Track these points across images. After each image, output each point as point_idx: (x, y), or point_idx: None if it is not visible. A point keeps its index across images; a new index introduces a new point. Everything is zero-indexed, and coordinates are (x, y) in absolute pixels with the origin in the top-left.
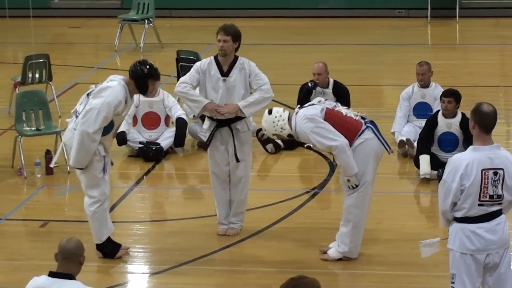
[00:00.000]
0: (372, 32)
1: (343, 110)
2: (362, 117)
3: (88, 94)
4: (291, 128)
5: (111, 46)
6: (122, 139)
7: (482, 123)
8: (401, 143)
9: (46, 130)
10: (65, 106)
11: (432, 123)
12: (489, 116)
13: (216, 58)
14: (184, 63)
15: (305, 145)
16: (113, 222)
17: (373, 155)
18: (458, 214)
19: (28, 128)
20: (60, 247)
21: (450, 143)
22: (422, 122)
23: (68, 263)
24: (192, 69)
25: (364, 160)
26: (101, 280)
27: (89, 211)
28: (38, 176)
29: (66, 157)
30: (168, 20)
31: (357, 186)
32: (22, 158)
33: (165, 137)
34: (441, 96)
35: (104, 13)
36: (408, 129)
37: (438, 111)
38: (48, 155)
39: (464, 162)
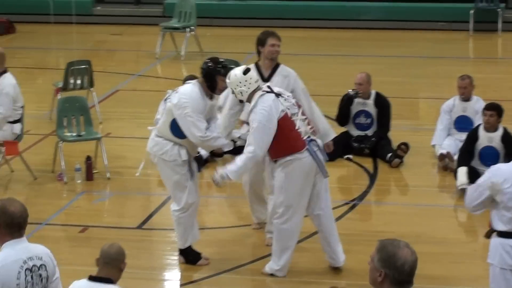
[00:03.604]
0: (414, 45)
1: (298, 121)
2: (312, 133)
3: (165, 100)
4: (249, 101)
5: (152, 53)
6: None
7: None
8: (442, 157)
9: (87, 136)
10: (106, 113)
11: (473, 137)
12: None
13: (256, 64)
14: None
15: (345, 156)
16: (151, 229)
17: (300, 176)
18: (500, 228)
19: (69, 134)
20: (102, 252)
21: (491, 157)
22: (463, 136)
23: (108, 268)
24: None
25: (288, 178)
26: (138, 287)
27: (174, 216)
28: (78, 181)
29: (143, 164)
30: (209, 29)
31: (217, 183)
32: (63, 163)
33: None
34: (483, 109)
35: (145, 20)
36: (448, 143)
37: (480, 125)
38: (89, 161)
39: (504, 174)
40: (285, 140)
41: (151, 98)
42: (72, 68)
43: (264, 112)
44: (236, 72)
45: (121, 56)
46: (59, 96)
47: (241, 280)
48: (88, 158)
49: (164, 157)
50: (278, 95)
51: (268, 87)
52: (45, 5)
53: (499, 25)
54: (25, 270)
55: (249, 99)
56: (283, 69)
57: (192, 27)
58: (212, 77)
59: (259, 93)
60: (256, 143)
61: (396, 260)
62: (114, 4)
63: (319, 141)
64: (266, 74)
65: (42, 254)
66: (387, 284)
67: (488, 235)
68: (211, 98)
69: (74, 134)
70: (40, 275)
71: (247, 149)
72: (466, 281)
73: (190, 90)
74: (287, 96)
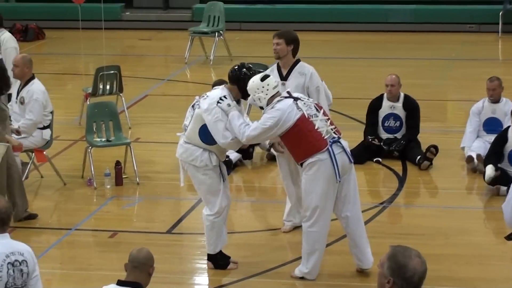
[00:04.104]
0: (443, 47)
1: (317, 122)
2: (335, 132)
3: (193, 106)
4: (267, 104)
5: (181, 58)
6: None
7: None
8: (469, 159)
9: (116, 141)
10: (135, 118)
11: (502, 138)
12: None
13: (278, 64)
14: None
15: (374, 159)
16: (181, 233)
17: (324, 178)
18: None
19: (98, 139)
20: (130, 256)
21: None
22: (492, 138)
23: (137, 272)
24: None
25: (312, 180)
26: None
27: (208, 221)
28: (108, 187)
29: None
30: (238, 33)
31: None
32: (92, 169)
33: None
34: (511, 111)
35: (174, 25)
36: (478, 145)
37: (509, 126)
38: (118, 166)
39: None
40: (305, 141)
41: (180, 103)
42: (101, 73)
43: (276, 115)
44: (254, 79)
45: (150, 61)
46: (88, 102)
47: (270, 283)
48: (118, 163)
49: (194, 163)
50: (296, 99)
51: (288, 92)
52: (74, 11)
53: None
54: (7, 263)
55: (268, 105)
56: (300, 66)
57: (220, 32)
58: (245, 83)
59: (277, 98)
60: (253, 132)
61: (406, 271)
62: (142, 9)
63: (344, 143)
64: (284, 72)
65: (23, 251)
66: None
67: (509, 238)
68: (238, 102)
69: (104, 139)
70: (21, 270)
71: (246, 128)
72: (496, 283)
73: (220, 95)
74: (307, 100)
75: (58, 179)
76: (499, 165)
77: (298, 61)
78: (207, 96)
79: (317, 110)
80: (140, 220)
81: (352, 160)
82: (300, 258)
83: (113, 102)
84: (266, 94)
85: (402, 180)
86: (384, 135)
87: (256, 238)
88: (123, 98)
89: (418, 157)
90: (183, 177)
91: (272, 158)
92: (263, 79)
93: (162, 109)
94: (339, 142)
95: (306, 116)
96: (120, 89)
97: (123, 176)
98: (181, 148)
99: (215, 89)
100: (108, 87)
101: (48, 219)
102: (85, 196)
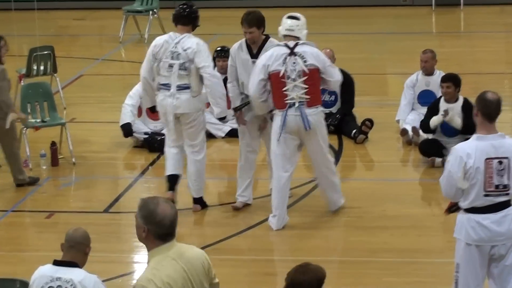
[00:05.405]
0: (377, 21)
1: (290, 85)
2: (302, 101)
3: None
4: None
5: (116, 37)
6: (128, 130)
7: (485, 111)
8: (404, 132)
9: (51, 122)
10: (70, 98)
11: (434, 108)
12: (492, 104)
13: (246, 41)
14: None
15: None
16: (118, 212)
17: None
18: (464, 205)
19: (33, 120)
20: (66, 236)
21: (453, 128)
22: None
23: (73, 252)
24: (229, 63)
25: (273, 129)
26: (107, 270)
27: (201, 164)
28: (44, 167)
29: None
30: (172, 11)
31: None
32: (28, 150)
33: None
34: (440, 81)
35: (108, 4)
36: (412, 117)
37: (440, 97)
38: (53, 147)
39: (467, 151)
40: (272, 94)
41: (116, 82)
42: (35, 54)
43: (263, 58)
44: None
45: (85, 41)
46: (22, 83)
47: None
48: (53, 144)
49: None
50: (294, 54)
51: (296, 44)
52: None
53: None
54: None
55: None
56: (270, 42)
57: (155, 10)
58: (198, 17)
59: (278, 43)
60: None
61: (155, 215)
62: None
63: (309, 110)
64: (255, 50)
65: None
66: (151, 238)
67: (449, 211)
68: None
69: (38, 120)
70: None
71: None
72: (432, 254)
73: (198, 41)
74: (302, 62)
75: None
76: (433, 135)
77: (267, 37)
78: (186, 49)
79: (299, 76)
80: (77, 200)
81: (309, 128)
82: (235, 234)
83: (47, 83)
84: (279, 30)
85: (338, 154)
86: None
87: (193, 215)
88: (57, 79)
89: (354, 131)
90: None
91: (209, 136)
92: (286, 17)
93: (97, 89)
94: (299, 108)
95: (281, 75)
96: (54, 70)
97: (59, 157)
98: (188, 102)
99: (184, 37)
100: (42, 67)
101: None
102: None
